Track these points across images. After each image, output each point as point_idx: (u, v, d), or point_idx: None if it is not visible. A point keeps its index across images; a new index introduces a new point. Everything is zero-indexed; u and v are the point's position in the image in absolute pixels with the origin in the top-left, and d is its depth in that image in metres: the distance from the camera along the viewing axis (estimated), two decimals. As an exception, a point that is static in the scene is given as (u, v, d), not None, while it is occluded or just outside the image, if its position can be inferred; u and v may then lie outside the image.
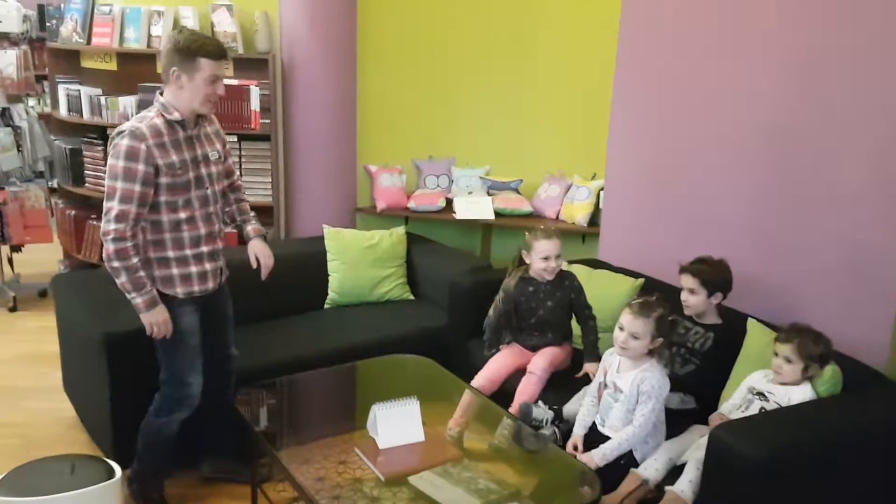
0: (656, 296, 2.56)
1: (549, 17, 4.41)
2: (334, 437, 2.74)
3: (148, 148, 2.40)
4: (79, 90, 4.14)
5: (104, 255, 2.43)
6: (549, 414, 2.79)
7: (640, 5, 3.46)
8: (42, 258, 5.26)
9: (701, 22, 3.13)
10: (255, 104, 4.00)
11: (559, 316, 3.10)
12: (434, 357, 3.11)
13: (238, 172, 2.90)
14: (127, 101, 4.02)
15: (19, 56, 4.51)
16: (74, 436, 3.28)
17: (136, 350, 2.79)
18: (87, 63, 4.24)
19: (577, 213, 4.29)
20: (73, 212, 4.47)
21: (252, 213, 2.96)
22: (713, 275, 2.79)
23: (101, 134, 4.15)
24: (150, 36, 4.02)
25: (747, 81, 2.94)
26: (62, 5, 4.22)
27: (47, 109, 4.70)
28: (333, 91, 4.14)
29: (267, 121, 4.05)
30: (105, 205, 2.41)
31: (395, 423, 2.41)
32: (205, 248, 2.61)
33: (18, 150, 4.63)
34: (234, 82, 3.99)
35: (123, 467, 2.83)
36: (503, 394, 3.02)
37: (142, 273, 2.45)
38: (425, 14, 4.41)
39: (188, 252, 2.57)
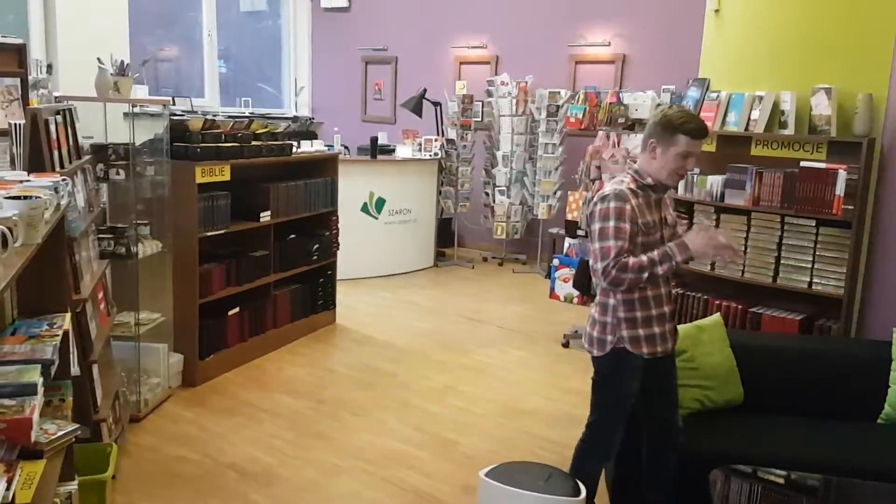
0: None
1: None
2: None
3: (632, 207, 2.59)
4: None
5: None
6: None
7: None
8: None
9: None
10: (839, 189, 3.75)
11: None
12: None
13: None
14: (714, 180, 4.27)
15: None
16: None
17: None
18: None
19: None
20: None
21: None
22: None
23: (689, 208, 4.50)
24: (748, 120, 4.19)
25: None
26: (684, 94, 4.76)
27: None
28: (946, 179, 3.56)
29: (851, 207, 3.74)
30: (600, 265, 2.59)
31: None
32: (666, 309, 2.70)
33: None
34: (821, 165, 3.83)
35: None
36: None
37: (642, 262, 2.53)
38: None
39: (654, 312, 2.68)
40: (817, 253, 3.93)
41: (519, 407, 4.44)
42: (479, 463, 3.68)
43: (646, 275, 2.56)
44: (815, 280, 3.95)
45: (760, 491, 2.76)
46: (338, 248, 5.81)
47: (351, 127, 9.03)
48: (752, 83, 4.25)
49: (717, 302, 4.25)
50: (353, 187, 6.90)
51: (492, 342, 5.59)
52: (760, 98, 4.12)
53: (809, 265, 3.96)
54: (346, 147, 7.47)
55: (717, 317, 3.56)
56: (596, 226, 2.62)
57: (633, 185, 2.66)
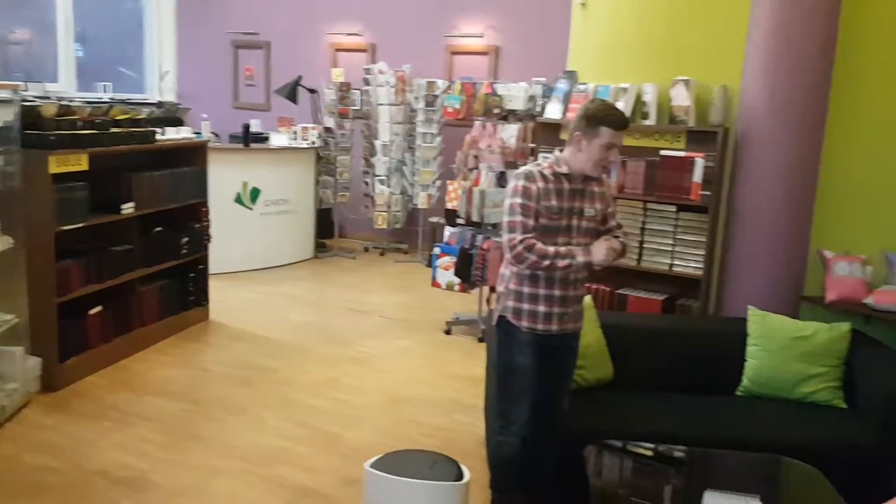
0: None
1: None
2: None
3: (537, 189, 2.71)
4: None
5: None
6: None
7: None
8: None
9: None
10: (697, 176, 4.00)
11: None
12: (848, 480, 2.65)
13: (619, 225, 2.99)
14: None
15: (520, 129, 5.38)
16: (477, 450, 3.72)
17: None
18: (563, 135, 4.82)
19: None
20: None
21: (620, 233, 2.96)
22: None
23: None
24: (615, 111, 4.37)
25: None
26: (554, 86, 4.90)
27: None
28: (790, 168, 3.85)
29: (708, 193, 4.00)
30: (506, 237, 2.76)
31: (728, 520, 2.15)
32: (556, 292, 2.78)
33: (510, 208, 5.49)
34: (681, 154, 4.07)
35: (492, 485, 3.14)
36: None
37: (547, 251, 2.66)
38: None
39: (541, 291, 2.77)
40: (677, 236, 4.17)
41: (403, 396, 4.45)
42: (364, 455, 3.63)
43: (546, 262, 2.68)
44: (675, 262, 4.20)
45: (631, 464, 2.91)
46: (209, 241, 5.59)
47: (221, 114, 8.66)
48: (617, 75, 4.43)
49: (587, 285, 4.41)
50: (225, 177, 6.64)
51: (375, 333, 5.57)
52: (625, 90, 4.31)
53: (670, 248, 4.20)
54: (216, 134, 7.17)
55: (587, 299, 3.70)
56: (506, 201, 2.76)
57: (547, 170, 2.77)
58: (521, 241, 2.67)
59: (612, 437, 2.92)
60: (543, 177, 2.75)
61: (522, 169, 2.80)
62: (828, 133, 3.91)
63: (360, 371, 4.82)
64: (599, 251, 2.70)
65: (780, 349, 3.49)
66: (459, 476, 2.55)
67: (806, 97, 3.82)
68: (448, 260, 5.48)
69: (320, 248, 8.07)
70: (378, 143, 7.85)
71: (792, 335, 3.51)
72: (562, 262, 2.68)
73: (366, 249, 8.42)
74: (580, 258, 2.69)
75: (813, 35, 3.77)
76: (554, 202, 2.74)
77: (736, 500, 2.18)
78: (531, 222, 2.71)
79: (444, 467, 2.59)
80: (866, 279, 3.85)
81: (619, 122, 2.70)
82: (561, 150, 2.83)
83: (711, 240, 4.09)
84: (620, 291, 4.34)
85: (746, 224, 3.96)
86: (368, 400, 4.36)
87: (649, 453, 2.92)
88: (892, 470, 2.82)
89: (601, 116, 2.69)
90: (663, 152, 4.14)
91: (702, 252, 4.09)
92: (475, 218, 5.29)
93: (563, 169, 2.77)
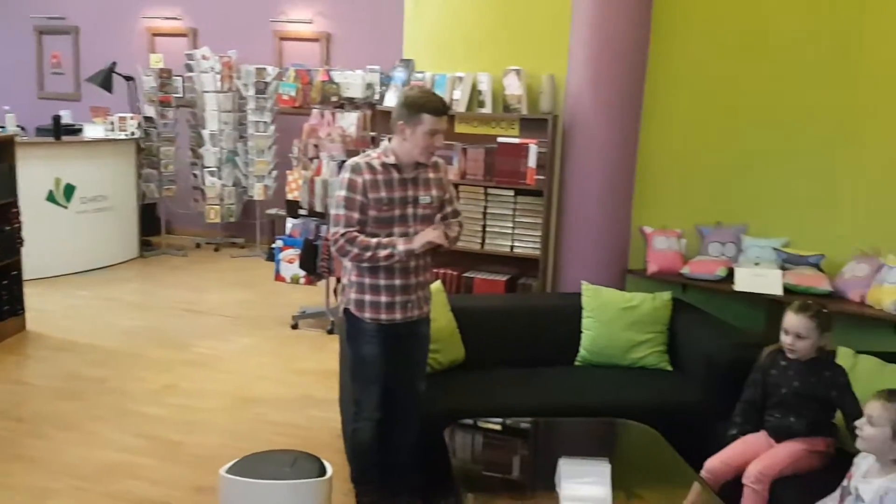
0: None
1: (872, 67, 3.88)
2: (532, 491, 2.74)
3: (363, 181, 2.70)
4: (393, 146, 4.75)
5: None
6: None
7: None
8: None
9: None
10: (532, 161, 4.19)
11: (806, 403, 2.71)
12: (679, 435, 2.88)
13: (456, 212, 3.00)
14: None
15: (359, 118, 5.36)
16: (336, 443, 3.69)
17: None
18: (403, 123, 4.85)
19: (887, 297, 3.61)
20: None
21: (455, 221, 2.97)
22: None
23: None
24: (451, 99, 4.46)
25: None
26: (392, 74, 4.92)
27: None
28: (612, 151, 4.13)
29: (542, 177, 4.21)
30: (332, 230, 2.77)
31: (582, 482, 2.30)
32: (398, 282, 2.79)
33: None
34: (515, 140, 4.25)
35: (352, 477, 3.13)
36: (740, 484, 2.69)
37: (369, 243, 2.68)
38: (720, 74, 4.19)
39: (381, 282, 2.78)
40: (516, 219, 4.36)
41: (250, 396, 4.30)
42: (213, 461, 3.50)
43: (368, 254, 2.69)
44: (515, 244, 4.38)
45: (489, 440, 3.02)
46: (21, 244, 5.09)
47: (25, 105, 7.87)
48: (453, 64, 4.52)
49: (435, 270, 4.49)
50: (34, 173, 6.04)
51: (214, 333, 5.32)
52: (461, 79, 4.42)
53: (510, 230, 4.38)
54: (22, 128, 6.51)
55: (437, 284, 3.77)
56: (335, 193, 2.78)
57: (376, 161, 2.75)
58: (343, 235, 2.69)
59: (467, 416, 3.00)
60: (371, 168, 2.73)
61: (350, 161, 2.78)
62: (644, 119, 4.23)
63: (200, 374, 4.60)
64: (419, 239, 2.73)
65: (611, 319, 3.75)
66: (322, 472, 2.52)
67: (623, 86, 4.10)
68: (292, 252, 5.35)
69: (146, 246, 7.57)
70: (206, 133, 7.48)
71: (621, 306, 3.78)
72: (383, 252, 2.69)
73: (198, 246, 8.02)
74: (401, 247, 2.70)
75: (629, 28, 4.05)
76: (383, 193, 2.73)
77: (588, 465, 2.32)
78: (356, 215, 2.71)
79: (306, 465, 2.55)
80: (682, 251, 4.22)
81: (438, 107, 2.71)
82: (389, 140, 2.83)
83: (547, 221, 4.31)
84: (467, 274, 4.46)
85: (576, 205, 4.21)
86: (212, 403, 4.18)
87: (499, 427, 3.05)
88: (716, 424, 3.12)
89: (421, 104, 2.69)
90: (500, 139, 4.30)
91: (539, 233, 4.30)
92: (318, 208, 5.20)
93: (391, 159, 2.76)
